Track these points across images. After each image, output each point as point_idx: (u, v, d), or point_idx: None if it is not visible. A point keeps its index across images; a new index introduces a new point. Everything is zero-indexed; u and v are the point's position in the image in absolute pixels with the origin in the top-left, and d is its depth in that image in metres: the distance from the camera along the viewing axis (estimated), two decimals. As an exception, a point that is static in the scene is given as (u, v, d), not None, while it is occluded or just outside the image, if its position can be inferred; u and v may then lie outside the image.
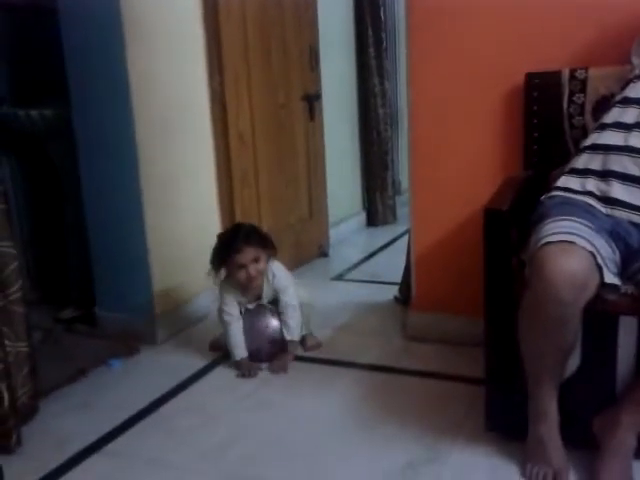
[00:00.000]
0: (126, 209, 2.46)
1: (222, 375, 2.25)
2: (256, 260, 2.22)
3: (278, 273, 2.31)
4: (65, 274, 2.80)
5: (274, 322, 2.33)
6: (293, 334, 2.32)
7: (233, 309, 2.28)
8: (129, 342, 2.44)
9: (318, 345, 2.42)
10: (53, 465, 1.73)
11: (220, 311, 2.31)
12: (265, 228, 3.10)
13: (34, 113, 2.53)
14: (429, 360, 2.25)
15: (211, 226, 2.80)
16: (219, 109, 2.80)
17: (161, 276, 2.53)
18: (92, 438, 1.85)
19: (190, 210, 2.69)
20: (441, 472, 1.62)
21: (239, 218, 2.91)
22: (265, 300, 2.34)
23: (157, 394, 2.10)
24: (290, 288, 2.33)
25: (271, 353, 2.31)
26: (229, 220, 2.88)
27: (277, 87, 3.18)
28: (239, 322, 2.29)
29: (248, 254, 2.20)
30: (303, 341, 2.41)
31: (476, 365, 1.97)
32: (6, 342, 1.76)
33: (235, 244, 2.20)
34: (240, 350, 2.27)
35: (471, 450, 1.70)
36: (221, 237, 2.30)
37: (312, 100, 3.42)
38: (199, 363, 2.32)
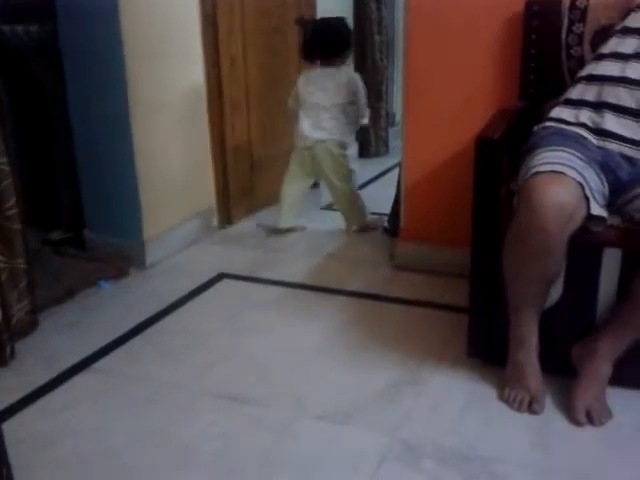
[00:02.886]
0: (114, 131, 2.42)
1: (209, 299, 2.28)
2: None
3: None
4: (54, 196, 2.78)
5: None
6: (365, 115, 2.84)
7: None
8: (118, 265, 2.45)
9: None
10: (43, 380, 1.77)
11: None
12: (255, 156, 3.09)
13: (19, 29, 2.46)
14: (415, 289, 2.28)
15: (201, 151, 2.77)
16: (210, 31, 2.72)
17: (150, 201, 2.52)
18: (81, 356, 1.89)
19: (180, 135, 2.65)
20: (423, 393, 1.67)
21: (230, 144, 2.88)
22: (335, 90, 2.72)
23: (145, 316, 2.12)
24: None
25: None
26: (219, 146, 2.85)
27: (271, 10, 3.09)
28: None
29: None
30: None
31: (460, 295, 2.01)
32: (0, 258, 1.76)
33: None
34: None
35: (452, 374, 1.75)
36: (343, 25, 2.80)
37: (307, 24, 3.32)
38: (187, 287, 2.33)
